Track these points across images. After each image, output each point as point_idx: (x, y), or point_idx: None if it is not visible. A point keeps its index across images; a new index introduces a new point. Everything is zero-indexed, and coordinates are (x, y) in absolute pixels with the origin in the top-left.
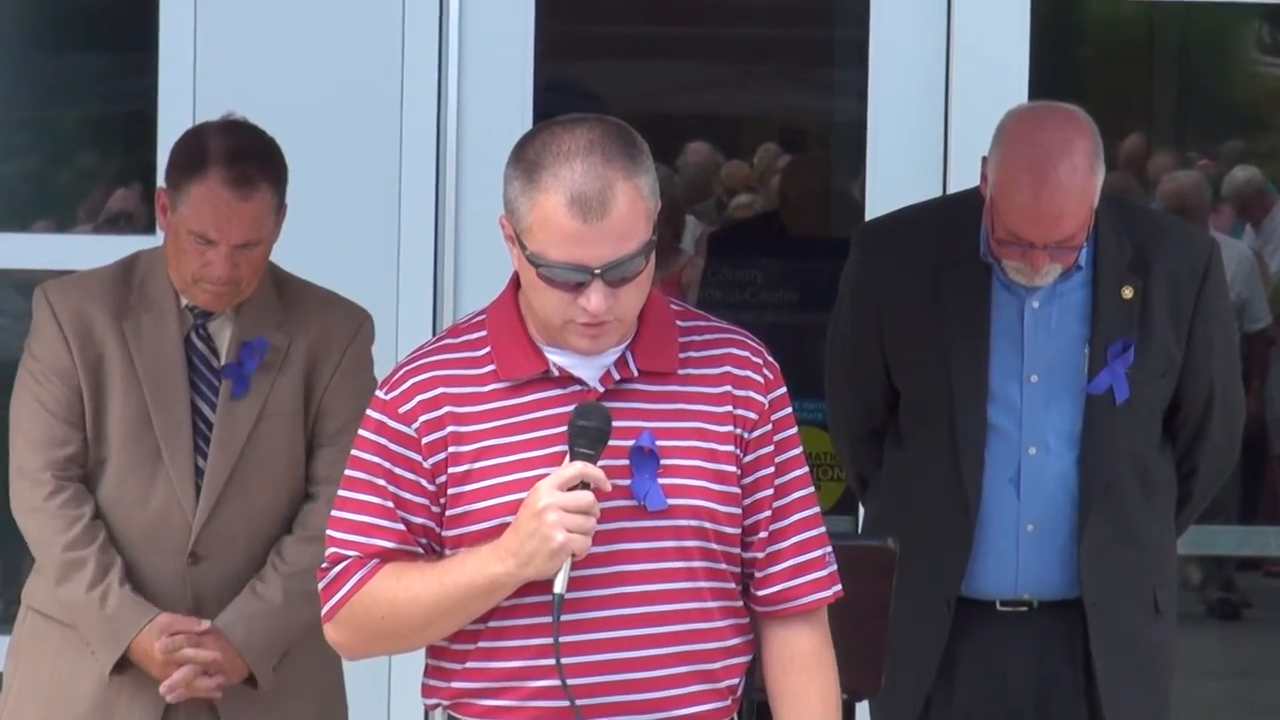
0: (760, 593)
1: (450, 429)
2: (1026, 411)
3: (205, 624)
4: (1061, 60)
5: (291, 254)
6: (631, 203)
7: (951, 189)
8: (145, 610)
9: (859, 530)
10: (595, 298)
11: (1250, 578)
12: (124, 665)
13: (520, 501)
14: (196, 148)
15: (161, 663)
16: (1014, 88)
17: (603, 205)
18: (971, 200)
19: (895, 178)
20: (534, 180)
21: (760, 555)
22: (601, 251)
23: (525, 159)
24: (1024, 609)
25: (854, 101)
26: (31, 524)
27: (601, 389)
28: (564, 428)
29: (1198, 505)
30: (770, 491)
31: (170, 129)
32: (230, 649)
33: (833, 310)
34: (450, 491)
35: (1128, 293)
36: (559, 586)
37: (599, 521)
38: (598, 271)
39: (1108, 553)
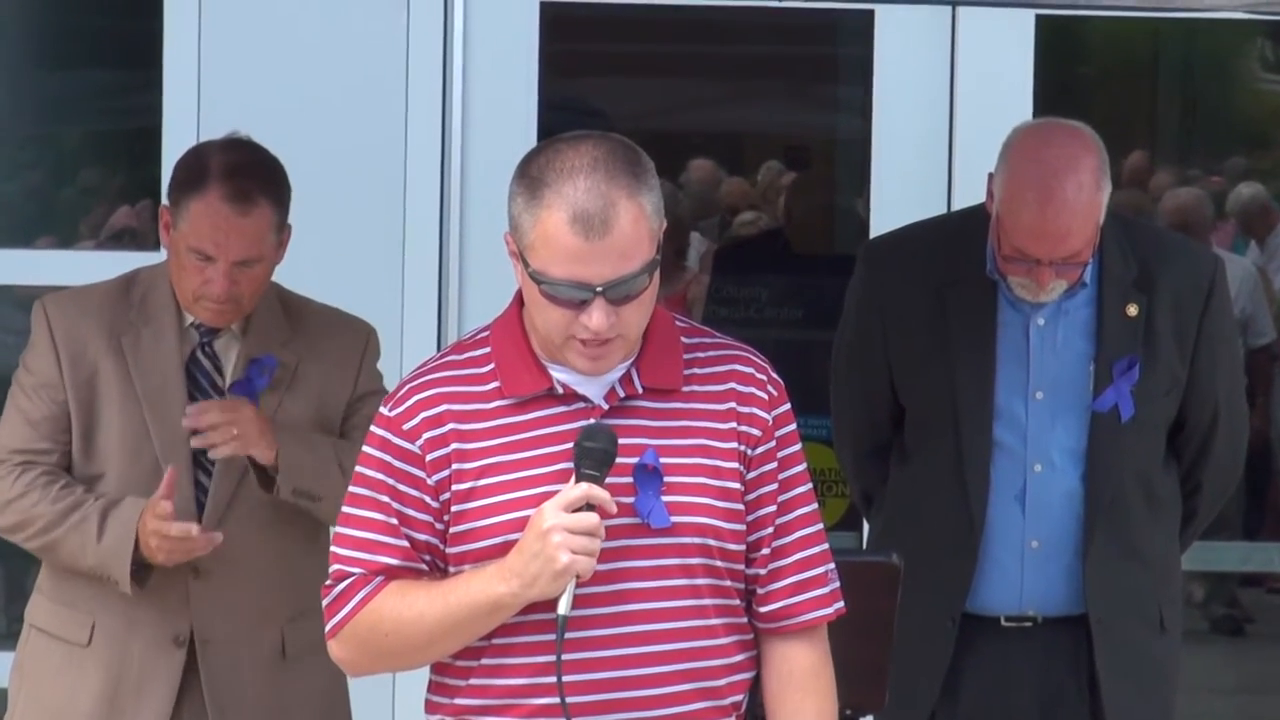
0: (762, 609)
1: (454, 446)
2: (1032, 428)
3: (167, 505)
4: (1066, 77)
5: (296, 270)
6: (634, 221)
7: (956, 206)
8: (136, 503)
9: (863, 546)
10: (597, 316)
11: (1253, 594)
12: (144, 576)
13: (524, 519)
14: (197, 165)
15: (152, 531)
16: (1018, 105)
17: (605, 223)
18: (976, 217)
19: (899, 195)
20: (537, 197)
21: (762, 572)
22: (603, 270)
23: (529, 175)
24: (1029, 625)
25: (858, 119)
26: (11, 516)
27: (606, 406)
28: (568, 445)
29: (1202, 522)
30: (773, 508)
31: (174, 145)
32: (263, 419)
33: (837, 327)
34: (454, 509)
35: (1132, 310)
36: (563, 608)
37: (603, 540)
38: (599, 289)
39: (1113, 569)
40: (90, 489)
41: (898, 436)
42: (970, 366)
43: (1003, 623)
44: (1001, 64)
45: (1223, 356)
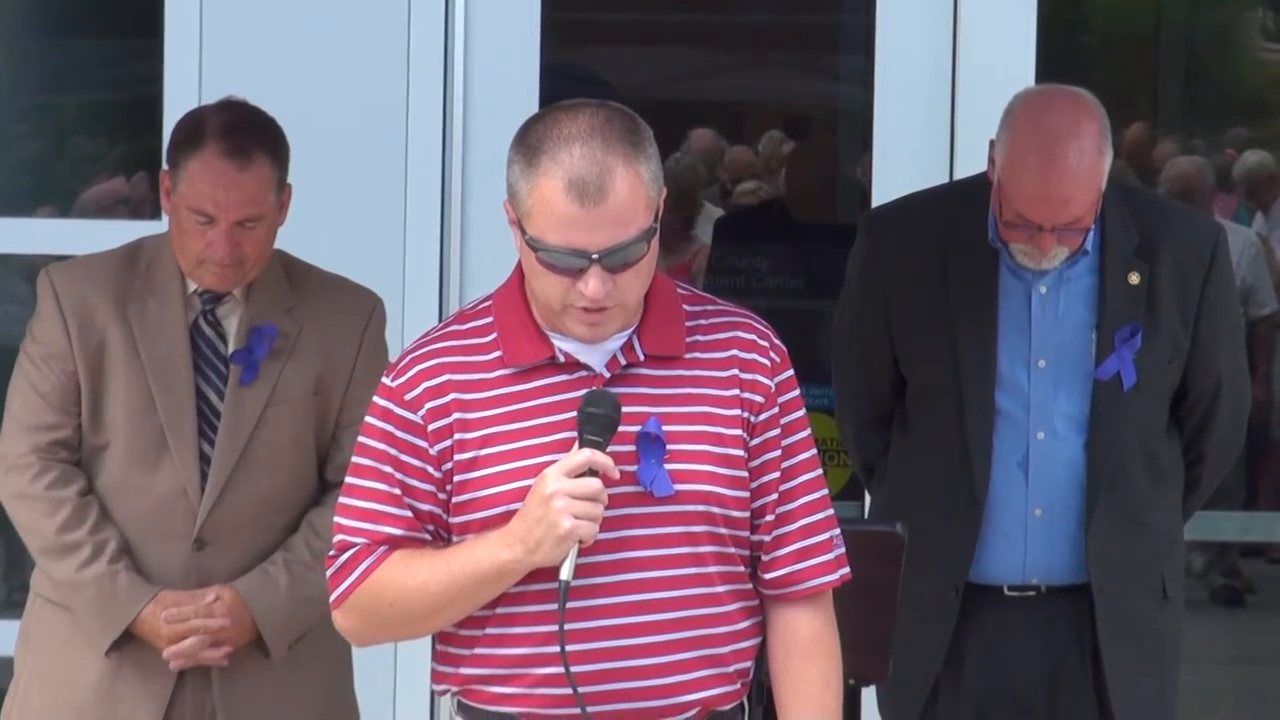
0: (767, 576)
1: (456, 416)
2: (1034, 396)
3: (211, 594)
4: (1068, 46)
5: (297, 240)
6: (631, 188)
7: (958, 175)
8: (144, 589)
9: (865, 516)
10: (593, 283)
11: (1253, 564)
12: (122, 644)
13: (527, 488)
14: (194, 126)
15: (168, 635)
16: (1021, 74)
17: (600, 190)
18: (978, 186)
19: (901, 164)
20: (533, 164)
21: (767, 538)
22: (599, 236)
23: (526, 143)
24: (1031, 594)
25: (860, 88)
26: (20, 511)
27: (608, 374)
28: (571, 414)
29: (1204, 492)
30: (777, 475)
31: (176, 115)
32: (241, 611)
33: (839, 297)
34: (456, 478)
35: (1134, 278)
36: (565, 574)
37: (606, 508)
38: (595, 256)
39: (1115, 538)
40: (91, 484)
41: (899, 406)
42: (972, 335)
43: (1006, 592)
44: (1004, 33)
45: (1225, 325)
